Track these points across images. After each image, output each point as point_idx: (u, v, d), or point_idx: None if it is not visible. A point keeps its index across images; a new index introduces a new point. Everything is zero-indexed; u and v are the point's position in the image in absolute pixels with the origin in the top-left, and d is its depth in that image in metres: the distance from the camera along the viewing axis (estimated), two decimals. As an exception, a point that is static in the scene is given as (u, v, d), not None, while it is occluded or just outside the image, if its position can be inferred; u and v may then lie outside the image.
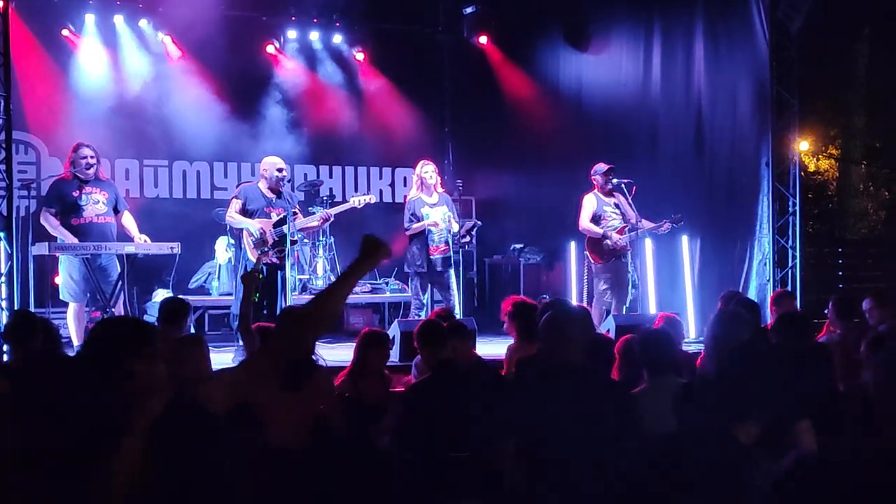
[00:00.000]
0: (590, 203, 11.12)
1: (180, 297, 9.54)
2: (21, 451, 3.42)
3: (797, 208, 11.93)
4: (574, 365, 4.91)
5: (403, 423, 5.93)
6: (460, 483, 5.66)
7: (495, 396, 5.88)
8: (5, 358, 7.47)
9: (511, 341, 7.45)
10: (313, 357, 5.87)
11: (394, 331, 9.45)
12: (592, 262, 11.18)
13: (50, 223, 9.70)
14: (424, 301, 10.94)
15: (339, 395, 6.17)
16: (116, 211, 10.07)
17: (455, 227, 10.96)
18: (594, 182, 11.20)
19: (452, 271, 10.88)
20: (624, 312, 10.86)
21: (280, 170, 10.26)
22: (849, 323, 7.51)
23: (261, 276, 8.08)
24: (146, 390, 3.35)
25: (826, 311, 7.84)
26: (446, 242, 10.78)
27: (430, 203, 10.81)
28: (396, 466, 5.84)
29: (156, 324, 7.66)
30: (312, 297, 3.69)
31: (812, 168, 22.30)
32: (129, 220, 10.17)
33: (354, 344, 6.71)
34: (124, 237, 10.05)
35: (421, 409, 5.82)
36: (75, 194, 9.76)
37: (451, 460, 5.67)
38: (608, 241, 10.94)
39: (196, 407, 3.45)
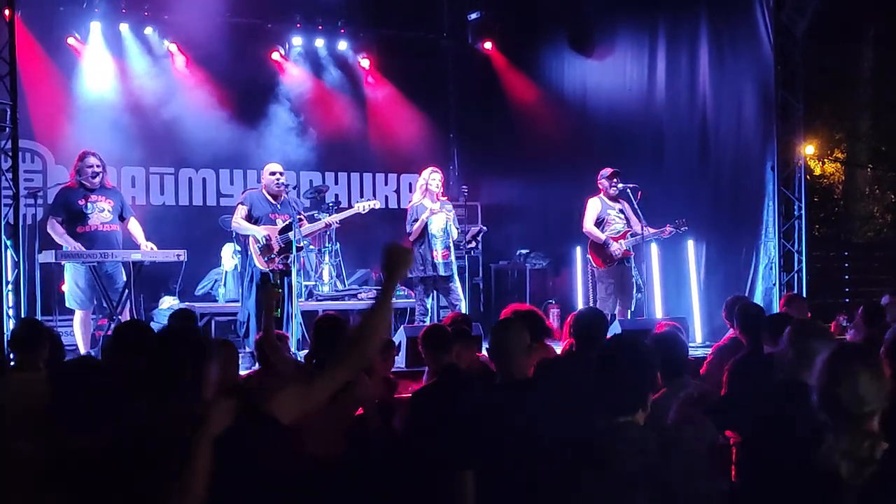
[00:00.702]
0: (594, 206, 11.16)
1: (187, 305, 9.59)
2: (71, 468, 3.42)
3: (803, 212, 11.92)
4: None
5: (409, 429, 5.93)
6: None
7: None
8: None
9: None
10: None
11: (399, 337, 9.45)
12: (595, 266, 11.19)
13: (56, 231, 9.73)
14: (429, 306, 10.94)
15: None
16: (122, 218, 10.11)
17: (455, 234, 10.96)
18: (600, 186, 11.23)
19: (457, 276, 10.88)
20: (629, 317, 10.87)
21: (273, 173, 10.29)
22: (874, 328, 7.52)
23: (278, 289, 8.10)
24: (209, 401, 3.35)
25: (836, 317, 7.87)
26: (447, 248, 10.78)
27: (433, 210, 10.83)
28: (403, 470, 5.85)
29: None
30: (354, 330, 3.71)
31: (818, 172, 22.30)
32: (135, 227, 10.20)
33: None
34: (130, 244, 10.08)
35: (425, 414, 5.82)
36: (81, 202, 9.79)
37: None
38: (610, 248, 10.97)
39: (267, 419, 3.45)
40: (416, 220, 10.79)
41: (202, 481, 3.20)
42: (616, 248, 10.95)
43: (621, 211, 11.18)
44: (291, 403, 3.50)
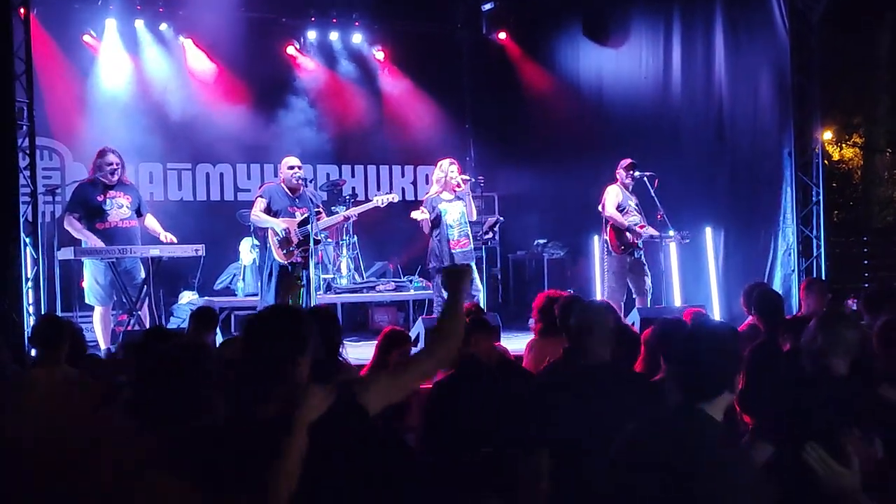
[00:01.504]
0: (614, 192, 11.15)
1: (206, 300, 9.62)
2: (165, 460, 3.45)
3: (821, 198, 11.87)
4: (600, 362, 4.91)
5: (428, 420, 5.94)
6: (484, 480, 5.68)
7: (523, 396, 5.90)
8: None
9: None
10: (340, 357, 5.90)
11: (418, 328, 9.48)
12: (611, 249, 11.14)
13: (74, 227, 9.77)
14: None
15: None
16: (139, 214, 10.14)
17: (474, 215, 10.93)
18: (618, 176, 11.22)
19: (474, 266, 10.87)
20: (649, 305, 10.87)
21: (291, 167, 10.31)
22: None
23: (300, 282, 8.11)
24: (307, 388, 3.40)
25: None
26: (466, 236, 10.76)
27: (448, 199, 10.80)
28: (420, 463, 5.86)
29: (185, 328, 7.74)
30: (436, 330, 3.89)
31: (836, 157, 22.19)
32: (152, 222, 10.26)
33: (376, 342, 6.74)
34: (149, 240, 10.12)
35: (445, 405, 5.83)
36: (99, 199, 9.83)
37: (475, 457, 5.68)
38: (629, 236, 10.96)
39: (361, 409, 3.51)
40: (432, 212, 10.77)
41: (297, 466, 3.27)
42: (644, 232, 10.96)
43: (637, 204, 11.19)
44: (381, 394, 3.61)
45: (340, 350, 5.86)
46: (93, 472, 3.68)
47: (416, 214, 10.82)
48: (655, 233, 11.05)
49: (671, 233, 10.99)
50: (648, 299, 11.06)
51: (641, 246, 11.11)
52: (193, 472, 3.34)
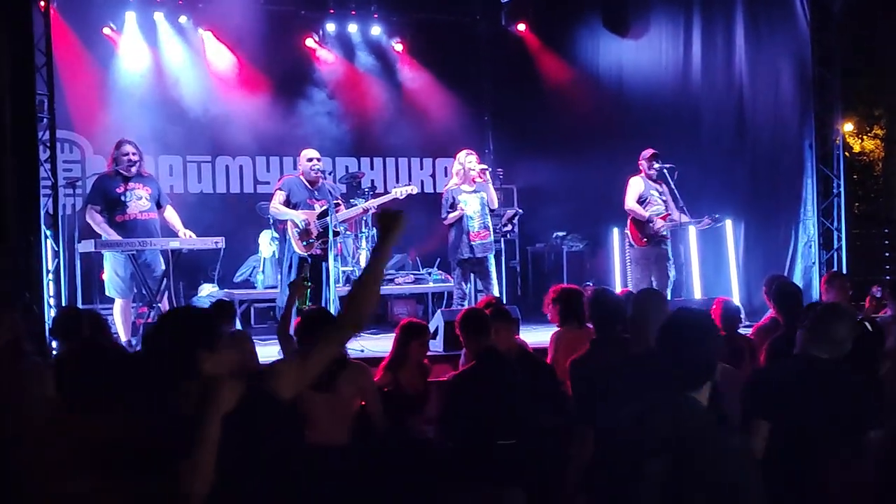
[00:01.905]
0: (636, 184, 11.11)
1: (226, 293, 9.64)
2: (85, 451, 3.47)
3: (842, 189, 11.82)
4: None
5: (448, 412, 5.94)
6: (505, 471, 5.68)
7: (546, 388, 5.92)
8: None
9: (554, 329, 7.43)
10: (343, 354, 5.90)
11: (437, 321, 9.45)
12: (632, 243, 11.12)
13: (94, 220, 9.78)
14: (467, 290, 10.92)
15: (379, 390, 6.18)
16: (159, 206, 10.15)
17: (495, 203, 10.90)
18: (640, 167, 11.18)
19: (492, 258, 10.84)
20: (669, 297, 10.83)
21: (310, 159, 10.33)
22: None
23: (307, 282, 8.11)
24: (216, 381, 3.40)
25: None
26: (486, 228, 10.74)
27: (468, 191, 10.79)
28: (441, 456, 5.86)
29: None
30: (348, 295, 3.76)
31: (857, 149, 22.07)
32: (172, 215, 10.25)
33: (394, 335, 6.74)
34: (168, 232, 10.13)
35: (466, 397, 5.83)
36: (119, 191, 9.84)
37: (496, 448, 5.68)
38: (651, 227, 10.91)
39: (270, 396, 3.51)
40: (451, 205, 10.75)
41: (211, 459, 3.28)
42: (661, 225, 10.90)
43: (661, 193, 11.12)
44: (290, 378, 3.57)
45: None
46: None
47: (453, 216, 10.77)
48: (686, 219, 10.97)
49: (706, 219, 10.92)
50: (669, 291, 11.02)
51: (666, 234, 11.01)
52: (111, 466, 3.36)
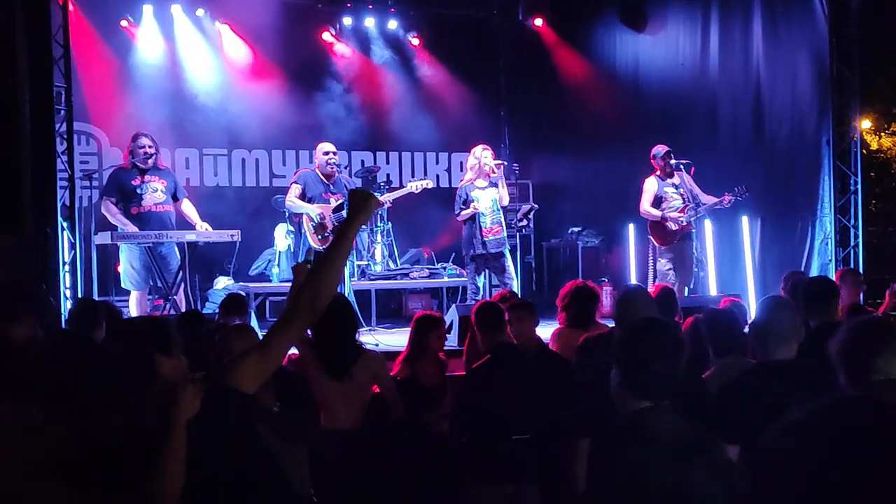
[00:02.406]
0: (651, 186, 11.06)
1: (241, 286, 9.66)
2: (48, 459, 3.45)
3: (858, 187, 11.78)
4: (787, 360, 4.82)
5: (463, 406, 5.92)
6: (519, 466, 5.67)
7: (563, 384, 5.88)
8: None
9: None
10: (359, 344, 5.93)
11: (451, 315, 9.44)
12: (654, 243, 11.13)
13: (110, 212, 9.81)
14: (480, 285, 10.91)
15: (395, 379, 6.19)
16: (175, 199, 10.17)
17: (506, 199, 10.84)
18: (654, 165, 11.13)
19: (508, 253, 10.81)
20: (686, 294, 10.79)
21: (326, 153, 10.33)
22: None
23: (310, 265, 8.10)
24: (177, 386, 3.36)
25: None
26: (499, 224, 10.70)
27: (481, 187, 10.75)
28: (457, 450, 5.86)
29: (216, 314, 7.76)
30: (307, 276, 3.63)
31: (874, 146, 21.97)
32: (189, 208, 10.26)
33: (409, 328, 6.73)
34: (184, 225, 10.15)
35: (480, 392, 5.81)
36: (134, 183, 9.87)
37: (510, 443, 5.67)
38: (669, 224, 10.88)
39: (233, 393, 3.45)
40: (464, 201, 10.72)
41: (180, 465, 3.25)
42: (676, 216, 10.86)
43: (677, 186, 11.05)
44: (251, 371, 3.48)
45: (357, 335, 5.92)
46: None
47: (466, 213, 10.73)
48: (708, 199, 10.86)
49: (727, 196, 10.80)
50: (686, 289, 10.98)
51: (688, 224, 10.88)
52: (79, 477, 3.34)
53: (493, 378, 5.78)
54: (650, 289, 7.47)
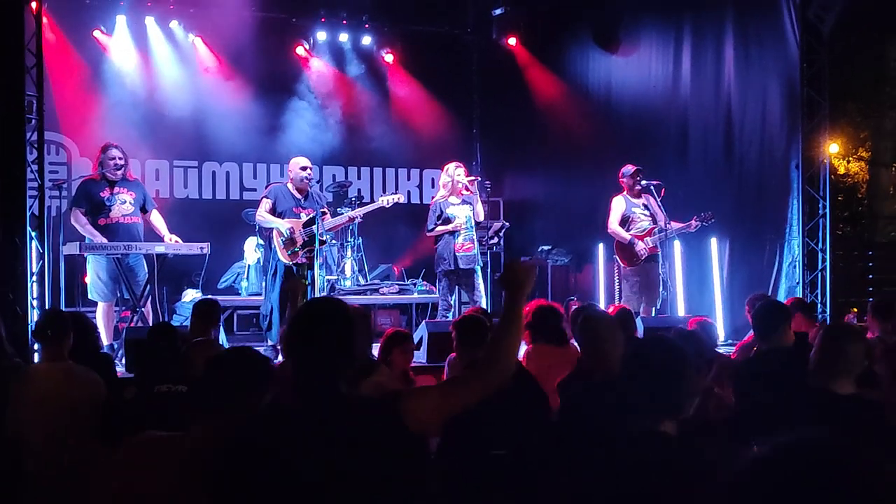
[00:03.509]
0: (618, 205, 11.10)
1: (211, 297, 9.61)
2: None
3: (827, 211, 11.85)
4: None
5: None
6: (496, 482, 5.66)
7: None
8: (36, 357, 7.53)
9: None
10: (371, 357, 5.95)
11: (421, 332, 9.44)
12: (620, 263, 11.17)
13: (79, 222, 9.78)
14: (452, 302, 10.92)
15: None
16: (144, 210, 10.13)
17: (481, 215, 10.88)
18: (623, 184, 11.18)
19: (479, 270, 10.83)
20: (653, 315, 10.82)
21: (303, 168, 10.31)
22: (886, 324, 7.47)
23: (306, 280, 8.07)
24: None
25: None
26: (472, 241, 10.74)
27: (455, 203, 10.80)
28: (432, 465, 5.85)
29: (187, 324, 7.72)
30: (491, 340, 3.53)
31: (842, 171, 22.15)
32: (157, 220, 10.23)
33: (378, 345, 6.73)
34: (152, 236, 10.11)
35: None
36: (103, 194, 9.84)
37: (487, 459, 5.66)
38: (639, 250, 10.91)
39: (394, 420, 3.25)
40: (438, 217, 10.74)
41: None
42: (641, 247, 10.90)
43: (646, 207, 11.11)
44: (425, 406, 3.30)
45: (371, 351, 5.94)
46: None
47: (442, 229, 10.73)
48: (674, 225, 10.91)
49: (693, 221, 10.84)
50: (653, 310, 11.01)
51: (652, 246, 10.93)
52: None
53: None
54: (609, 309, 7.50)
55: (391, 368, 6.55)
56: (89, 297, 10.10)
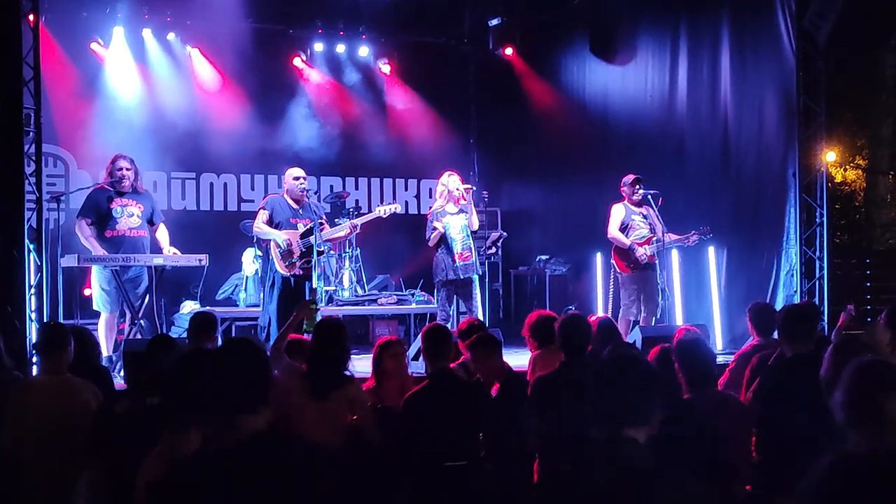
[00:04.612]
0: (618, 212, 11.14)
1: (208, 309, 9.63)
2: None
3: (825, 219, 11.84)
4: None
5: (402, 431, 5.95)
6: (456, 491, 5.69)
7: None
8: (34, 370, 7.53)
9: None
10: (346, 372, 5.97)
11: (418, 343, 9.43)
12: (619, 271, 11.18)
13: (83, 233, 9.82)
14: (451, 312, 10.92)
15: (371, 405, 6.20)
16: (151, 223, 10.16)
17: (475, 225, 10.90)
18: (623, 193, 11.21)
19: (477, 280, 10.85)
20: (653, 324, 10.82)
21: (297, 178, 10.32)
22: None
23: (315, 306, 8.04)
24: None
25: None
26: (469, 249, 10.75)
27: (451, 212, 10.81)
28: (396, 473, 5.88)
29: (185, 336, 7.72)
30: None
31: (839, 179, 22.19)
32: (162, 233, 10.28)
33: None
34: (157, 250, 10.13)
35: (418, 416, 5.85)
36: (110, 206, 9.87)
37: (447, 469, 5.70)
38: (633, 253, 10.94)
39: None
40: (434, 228, 10.75)
41: None
42: (641, 252, 10.92)
43: (645, 216, 11.14)
44: None
45: (348, 364, 5.96)
46: None
47: (434, 235, 10.75)
48: (672, 237, 10.97)
49: (693, 235, 10.91)
50: (653, 319, 11.01)
51: (651, 255, 10.94)
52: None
53: (428, 404, 5.82)
54: (592, 319, 7.53)
55: (387, 377, 6.56)
56: (94, 307, 10.11)
